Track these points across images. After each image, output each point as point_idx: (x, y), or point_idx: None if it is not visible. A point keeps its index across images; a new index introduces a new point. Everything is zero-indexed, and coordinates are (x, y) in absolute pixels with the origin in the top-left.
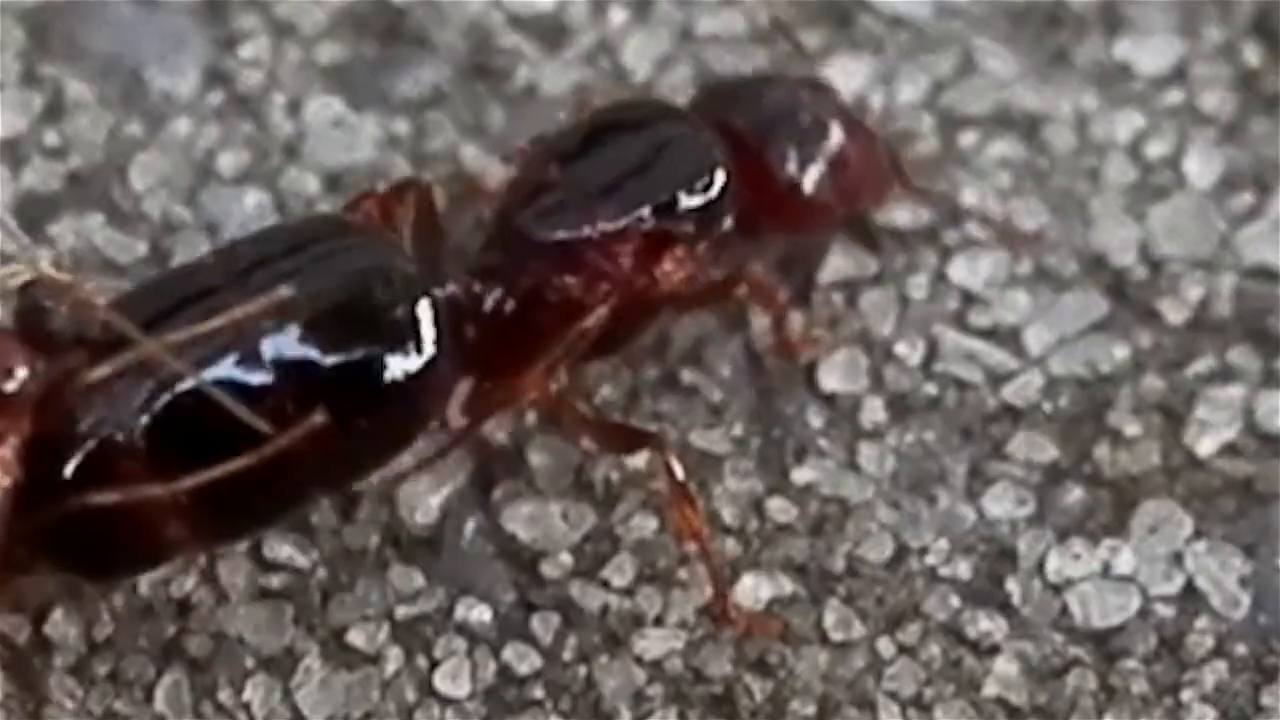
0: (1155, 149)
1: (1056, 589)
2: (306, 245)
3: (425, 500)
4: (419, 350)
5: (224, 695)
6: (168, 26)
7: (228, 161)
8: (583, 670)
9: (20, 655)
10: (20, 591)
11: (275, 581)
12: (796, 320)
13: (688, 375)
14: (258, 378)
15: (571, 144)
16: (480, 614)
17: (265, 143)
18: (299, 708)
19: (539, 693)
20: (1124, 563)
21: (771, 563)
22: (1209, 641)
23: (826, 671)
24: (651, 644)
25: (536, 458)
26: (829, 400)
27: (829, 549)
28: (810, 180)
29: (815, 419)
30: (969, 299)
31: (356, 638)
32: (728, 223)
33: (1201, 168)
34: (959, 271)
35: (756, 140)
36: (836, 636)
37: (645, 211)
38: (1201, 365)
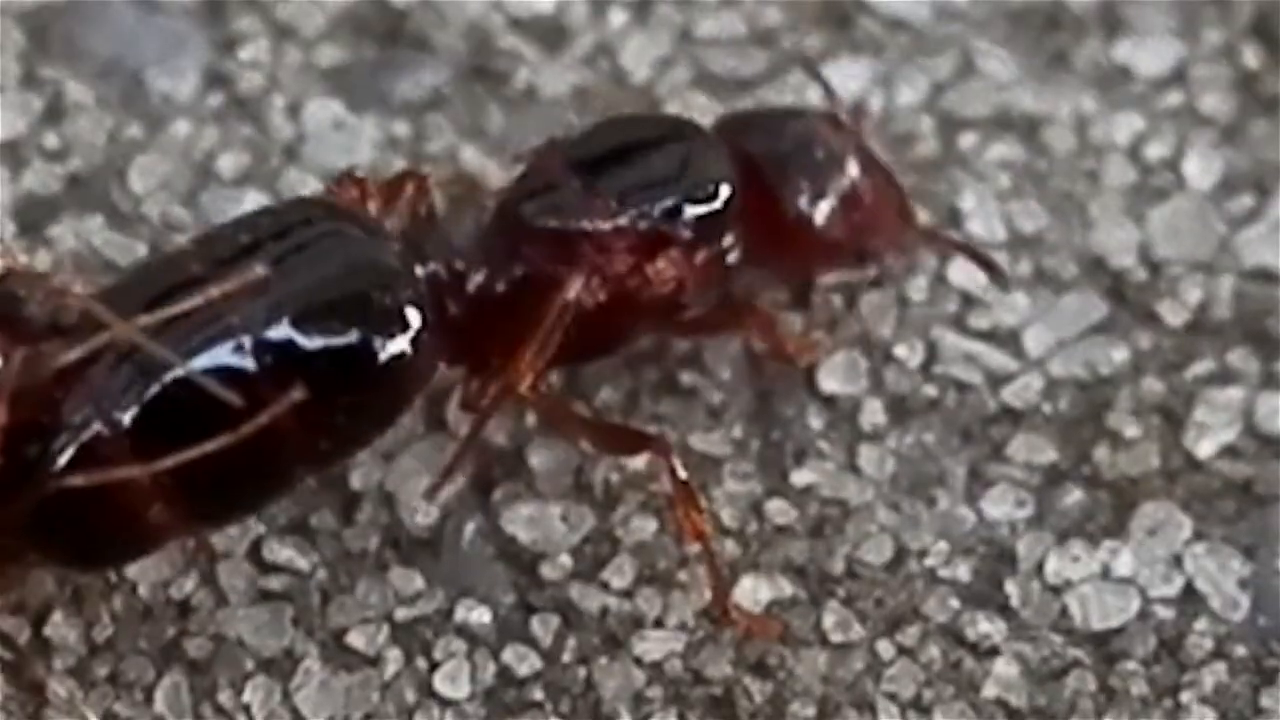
0: (1155, 151)
1: (1056, 591)
2: (285, 226)
3: (425, 502)
4: (398, 326)
5: (224, 697)
6: (168, 29)
7: (228, 163)
8: (582, 672)
9: (21, 656)
10: (20, 593)
11: (275, 583)
12: (796, 322)
13: (687, 377)
14: (236, 357)
15: (581, 143)
16: (480, 616)
17: (265, 145)
18: (299, 709)
19: (539, 694)
20: (1123, 564)
21: (771, 564)
22: (1208, 643)
23: (826, 673)
24: (651, 646)
25: (536, 459)
26: (828, 402)
27: (828, 551)
28: (820, 214)
29: (815, 421)
30: (968, 301)
31: (356, 639)
32: (728, 239)
33: (1201, 170)
34: (958, 273)
35: (769, 168)
36: (836, 638)
37: (643, 210)
38: (1201, 367)
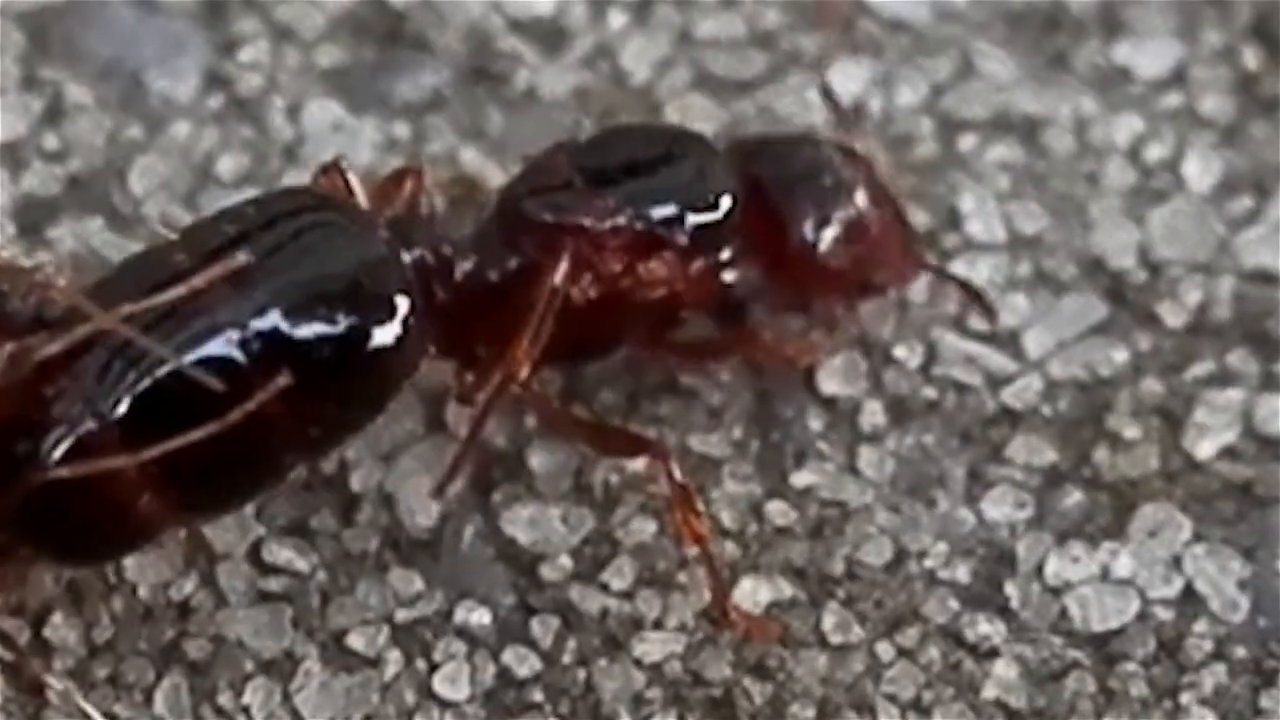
0: (1154, 152)
1: (1055, 592)
2: (271, 216)
3: (425, 503)
4: (385, 312)
5: (224, 699)
6: (167, 30)
7: (227, 165)
8: (582, 673)
9: (21, 657)
10: (20, 594)
11: (275, 585)
12: (795, 324)
13: (687, 379)
14: (223, 346)
15: (588, 146)
16: (480, 617)
17: (265, 146)
18: (299, 711)
19: (538, 696)
20: (1123, 566)
21: (771, 566)
22: (1208, 645)
23: (826, 675)
24: (651, 647)
25: (536, 461)
26: (828, 404)
27: (828, 552)
28: (823, 241)
29: (814, 422)
30: (968, 302)
31: (356, 641)
32: (726, 253)
33: (1200, 171)
34: (958, 275)
35: (776, 191)
36: (836, 640)
37: (641, 211)
38: (1200, 368)
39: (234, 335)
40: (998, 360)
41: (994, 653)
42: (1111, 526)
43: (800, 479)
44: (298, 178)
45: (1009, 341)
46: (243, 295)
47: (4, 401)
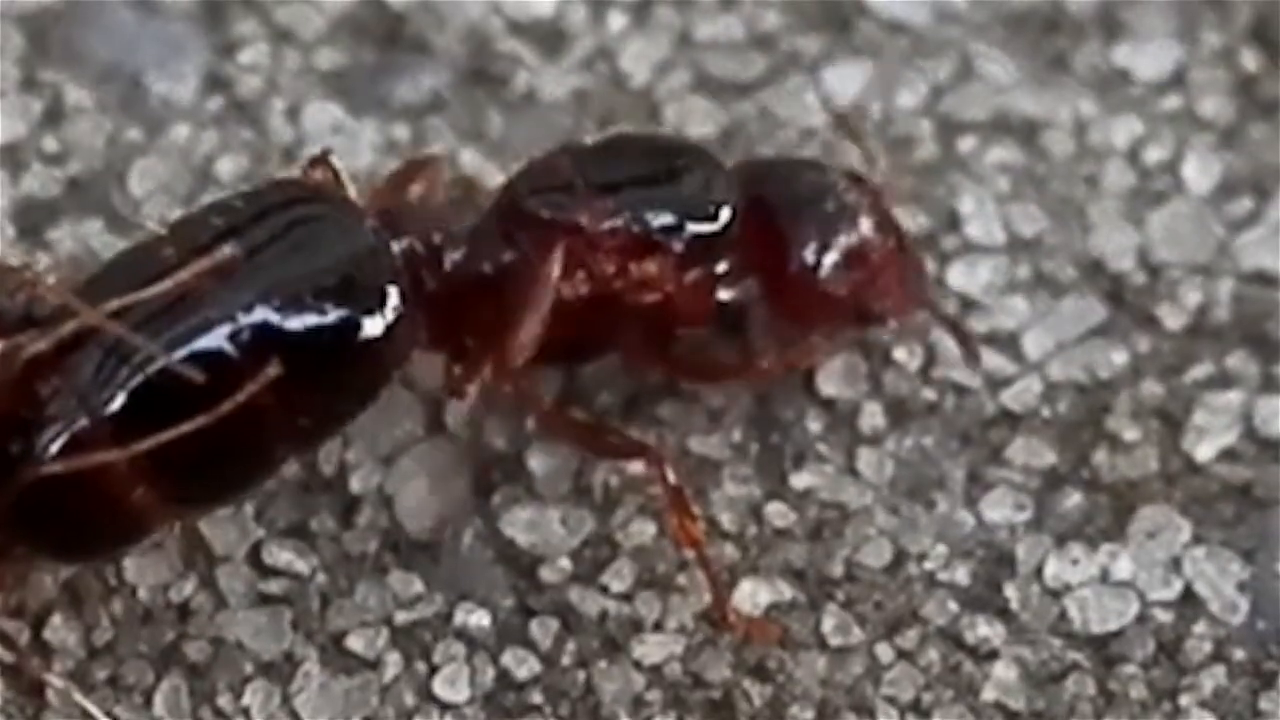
0: (1154, 154)
1: (1055, 594)
2: (260, 208)
3: (424, 505)
4: (374, 301)
5: (223, 700)
6: (167, 32)
7: (227, 167)
8: (582, 675)
9: (21, 658)
10: (20, 595)
11: (274, 587)
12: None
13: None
14: (213, 339)
15: (593, 148)
16: (479, 619)
17: (264, 148)
18: (298, 713)
19: (538, 698)
20: (1122, 568)
21: (770, 568)
22: (1207, 647)
23: (825, 677)
24: (650, 649)
25: (535, 463)
26: (828, 405)
27: (828, 554)
28: (822, 266)
29: (814, 424)
30: (968, 304)
31: (355, 643)
32: (722, 266)
33: (1200, 173)
34: (958, 277)
35: (779, 213)
36: (835, 642)
37: (639, 214)
38: (1200, 371)
39: (224, 327)
40: (997, 362)
41: (993, 654)
42: (1111, 528)
43: (800, 481)
44: None
45: (1008, 343)
46: (232, 287)
47: None
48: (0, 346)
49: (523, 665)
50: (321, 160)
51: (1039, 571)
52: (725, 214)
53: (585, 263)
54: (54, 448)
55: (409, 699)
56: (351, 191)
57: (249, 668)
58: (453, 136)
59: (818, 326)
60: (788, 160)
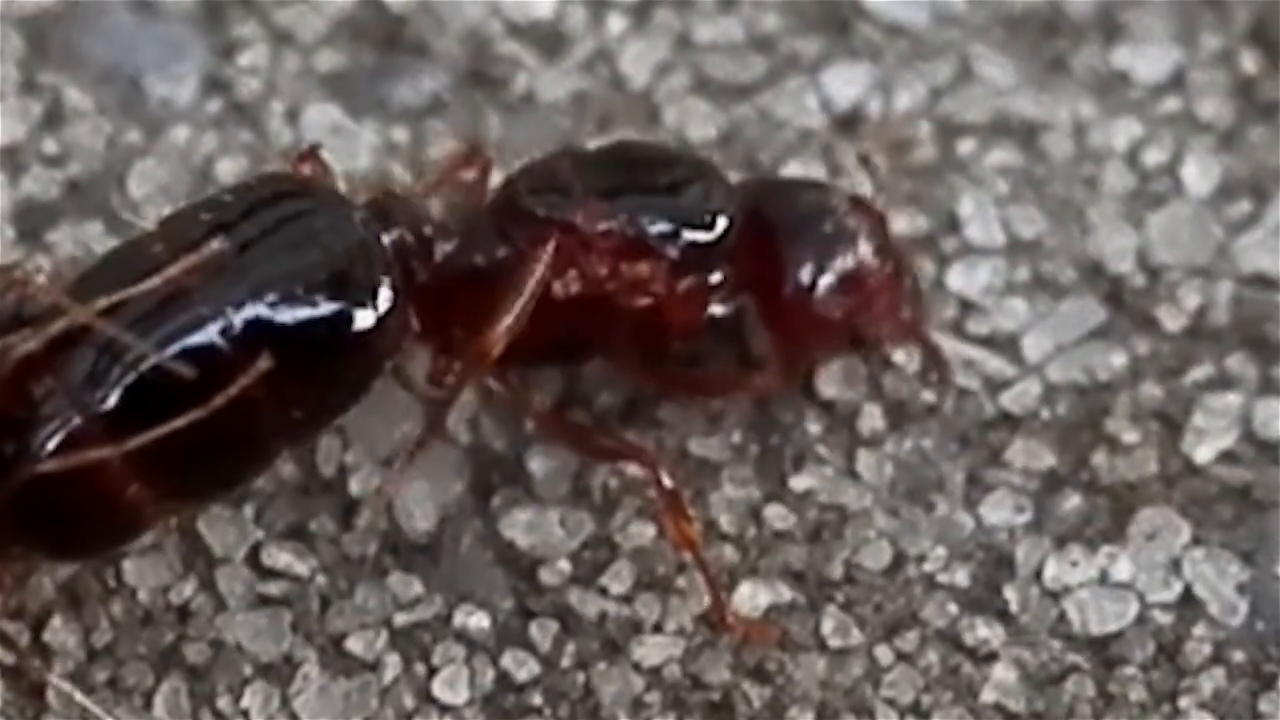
0: (1153, 156)
1: (1054, 596)
2: (250, 202)
3: (424, 507)
4: (365, 293)
5: (223, 703)
6: (166, 34)
7: (226, 169)
8: (581, 677)
9: (21, 660)
10: (20, 597)
11: (274, 589)
12: None
13: None
14: (205, 334)
15: (594, 152)
16: (479, 621)
17: (264, 150)
18: (297, 715)
19: (537, 700)
20: (1122, 570)
21: (769, 570)
22: (1207, 649)
23: (825, 678)
24: (650, 651)
25: (535, 464)
26: (827, 407)
27: (827, 556)
28: (817, 287)
29: (813, 426)
30: (967, 306)
31: (355, 645)
32: (717, 277)
33: (1199, 175)
34: (957, 279)
35: (777, 231)
36: (834, 643)
37: (634, 218)
38: (1199, 373)
39: (215, 322)
40: (996, 364)
41: (993, 656)
42: (1110, 530)
43: (799, 483)
44: None
45: (1008, 345)
46: (223, 282)
47: None
48: None
49: (522, 667)
50: (310, 154)
51: (1038, 573)
52: (721, 223)
53: (578, 262)
54: (48, 446)
55: (408, 701)
56: (340, 185)
57: (248, 669)
58: (452, 139)
59: (810, 347)
60: (793, 180)
